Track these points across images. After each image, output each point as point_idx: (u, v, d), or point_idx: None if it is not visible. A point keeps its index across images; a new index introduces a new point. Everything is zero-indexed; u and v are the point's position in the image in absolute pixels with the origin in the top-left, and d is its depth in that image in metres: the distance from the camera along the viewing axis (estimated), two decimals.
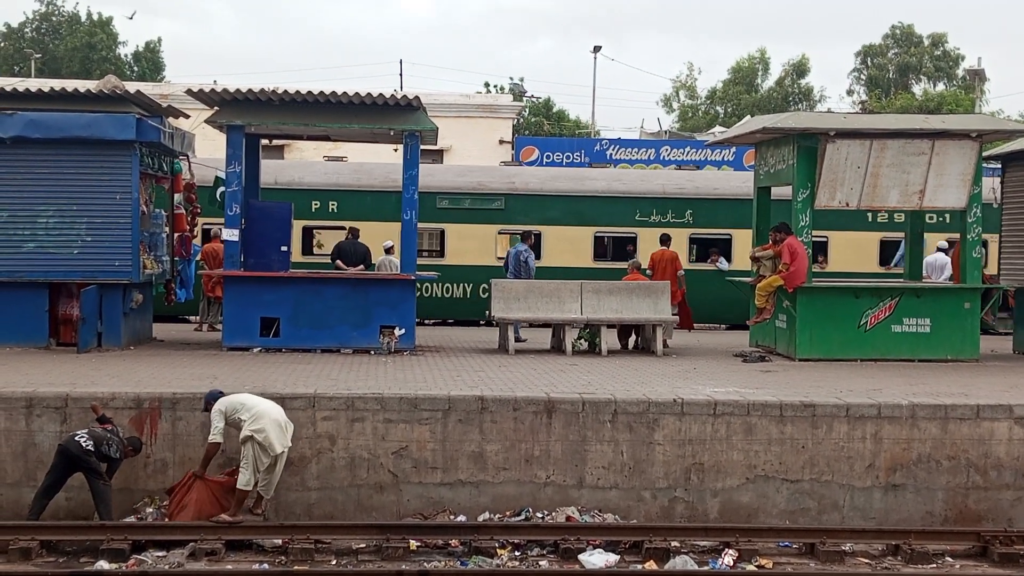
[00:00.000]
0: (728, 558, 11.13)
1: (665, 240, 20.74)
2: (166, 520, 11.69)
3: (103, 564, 10.52)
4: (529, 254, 19.70)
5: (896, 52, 69.04)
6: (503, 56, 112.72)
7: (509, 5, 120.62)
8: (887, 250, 23.54)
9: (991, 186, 19.19)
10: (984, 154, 17.38)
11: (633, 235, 23.32)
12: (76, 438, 11.45)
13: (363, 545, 11.26)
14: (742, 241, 22.26)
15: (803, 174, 16.67)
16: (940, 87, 65.69)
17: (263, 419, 11.53)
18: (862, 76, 70.31)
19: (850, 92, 70.88)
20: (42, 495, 11.65)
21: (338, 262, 19.38)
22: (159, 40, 70.28)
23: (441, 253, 23.36)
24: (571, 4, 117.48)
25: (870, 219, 23.32)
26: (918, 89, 65.65)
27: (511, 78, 60.11)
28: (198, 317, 21.18)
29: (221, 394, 11.97)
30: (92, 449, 11.41)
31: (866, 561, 11.37)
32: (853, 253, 23.37)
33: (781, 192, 18.42)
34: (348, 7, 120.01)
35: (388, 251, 20.38)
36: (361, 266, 19.06)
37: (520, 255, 19.61)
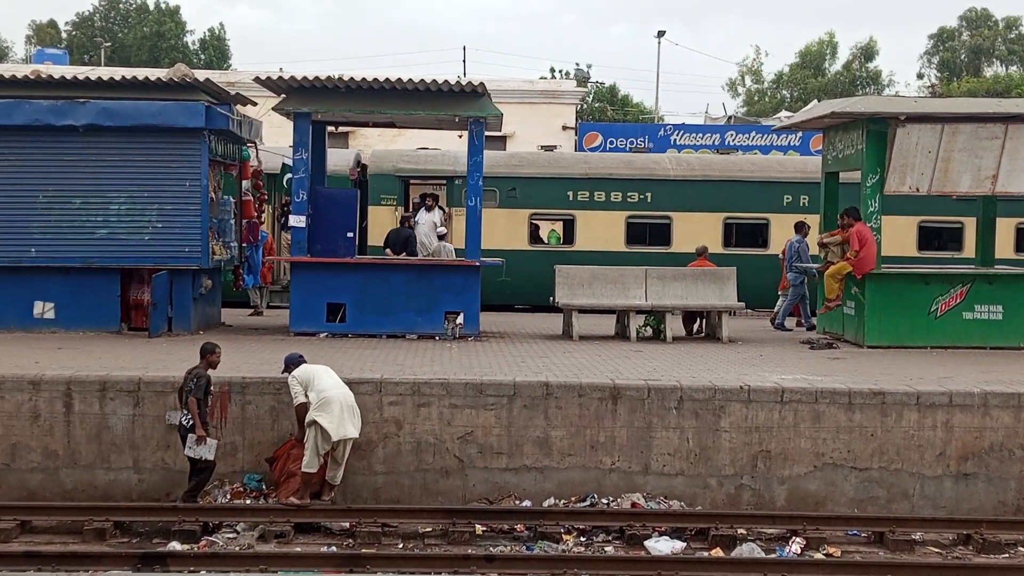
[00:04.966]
0: (795, 546, 11.07)
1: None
2: (275, 484, 12.01)
3: (175, 545, 10.71)
4: (801, 243, 19.40)
5: (969, 34, 67.78)
6: (575, 43, 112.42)
7: None
8: None
9: None
10: None
11: None
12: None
13: (429, 529, 11.35)
14: None
15: (872, 159, 16.43)
16: (1013, 70, 64.36)
17: (329, 406, 11.63)
18: (933, 60, 69.12)
19: (920, 76, 69.82)
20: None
21: (387, 251, 19.46)
22: (221, 25, 71.18)
23: None
24: None
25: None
26: (990, 72, 64.41)
27: (577, 64, 59.82)
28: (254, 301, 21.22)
29: (301, 358, 12.15)
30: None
31: (936, 550, 11.23)
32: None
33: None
34: None
35: (442, 238, 20.41)
36: (404, 252, 19.08)
37: (794, 246, 19.41)
